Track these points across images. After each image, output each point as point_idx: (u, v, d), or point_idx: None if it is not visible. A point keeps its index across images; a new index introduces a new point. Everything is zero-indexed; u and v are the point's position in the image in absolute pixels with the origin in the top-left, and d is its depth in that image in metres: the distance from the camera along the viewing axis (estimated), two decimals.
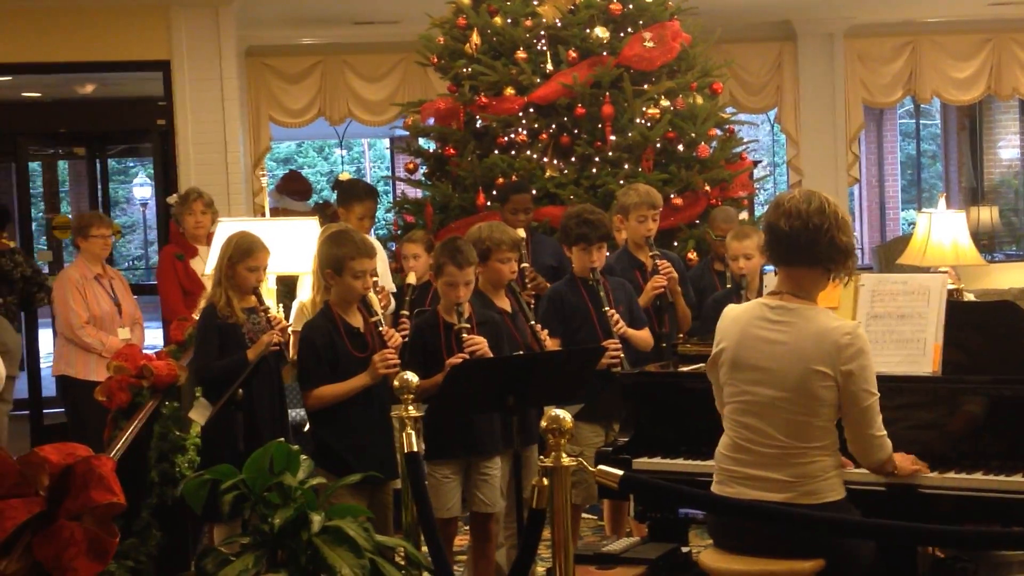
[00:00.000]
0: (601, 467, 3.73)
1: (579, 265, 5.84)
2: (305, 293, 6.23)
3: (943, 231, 8.04)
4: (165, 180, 10.72)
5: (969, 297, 7.79)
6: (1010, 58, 12.75)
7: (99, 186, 12.63)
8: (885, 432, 3.87)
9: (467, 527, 5.52)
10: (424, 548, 4.63)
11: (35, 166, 15.70)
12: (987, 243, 13.92)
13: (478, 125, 8.42)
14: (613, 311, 5.73)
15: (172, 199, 8.46)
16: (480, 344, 5.10)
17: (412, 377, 4.66)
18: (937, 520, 4.02)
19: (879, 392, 3.82)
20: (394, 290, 6.60)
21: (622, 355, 5.60)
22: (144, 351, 6.45)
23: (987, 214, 14.75)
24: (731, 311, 4.02)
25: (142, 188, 21.03)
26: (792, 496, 3.78)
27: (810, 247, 3.81)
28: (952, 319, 4.39)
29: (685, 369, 4.98)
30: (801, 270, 3.86)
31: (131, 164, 18.37)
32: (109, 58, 10.13)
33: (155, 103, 10.55)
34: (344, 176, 8.10)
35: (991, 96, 13.42)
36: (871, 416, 3.81)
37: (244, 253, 5.49)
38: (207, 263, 7.43)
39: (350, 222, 6.62)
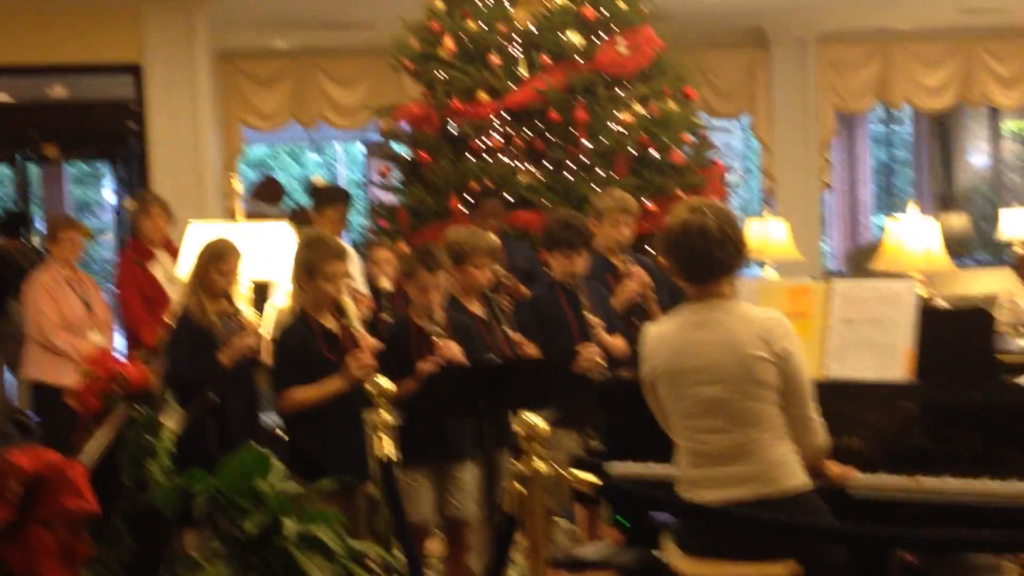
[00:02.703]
0: (575, 472, 3.74)
1: (560, 270, 5.84)
2: (279, 298, 6.23)
3: (914, 237, 8.09)
4: (137, 184, 10.68)
5: (940, 303, 7.84)
6: (980, 65, 12.86)
7: (69, 189, 12.55)
8: (821, 419, 3.91)
9: (440, 532, 5.52)
10: (398, 554, 4.62)
11: (3, 169, 15.62)
12: (958, 249, 14.00)
13: (452, 130, 8.43)
14: (593, 317, 5.74)
15: (129, 204, 8.41)
16: (453, 349, 5.11)
17: (386, 382, 4.65)
18: (904, 524, 4.05)
19: (851, 396, 3.85)
20: (368, 294, 6.59)
21: (603, 360, 5.61)
22: (115, 355, 6.42)
23: (958, 220, 14.86)
24: (653, 329, 4.06)
25: (112, 192, 20.92)
26: (756, 488, 3.81)
27: (737, 262, 3.92)
28: (923, 325, 4.42)
29: None
30: (724, 279, 3.91)
31: (101, 168, 18.27)
32: (79, 61, 10.09)
33: (126, 106, 10.51)
34: (317, 180, 8.10)
35: (962, 103, 13.53)
36: (808, 397, 3.86)
37: (216, 256, 5.49)
38: (168, 267, 7.42)
39: (323, 226, 6.62)
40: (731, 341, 3.84)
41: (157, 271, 7.57)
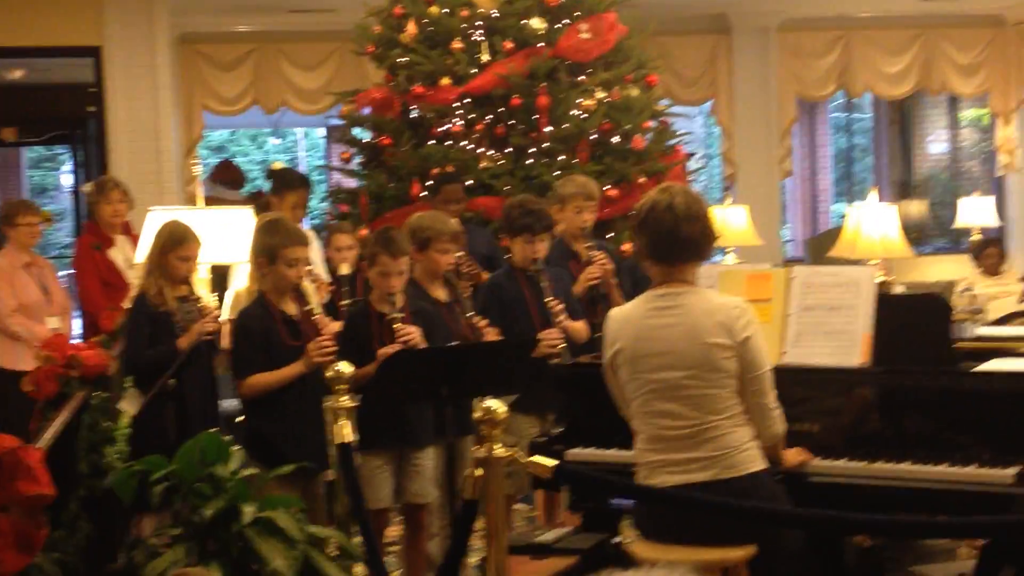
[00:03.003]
0: (535, 458, 3.75)
1: (520, 256, 5.83)
2: (239, 282, 6.20)
3: (873, 224, 8.15)
4: (96, 168, 10.58)
5: (899, 289, 7.90)
6: (940, 53, 12.93)
7: (26, 173, 12.44)
8: (779, 406, 3.93)
9: (400, 518, 5.52)
10: (357, 539, 4.62)
11: None
12: (917, 236, 14.10)
13: (413, 115, 8.41)
14: (556, 302, 5.74)
15: (87, 188, 8.33)
16: (412, 334, 5.10)
17: (345, 367, 4.64)
18: (863, 510, 4.07)
19: (811, 382, 3.87)
20: (328, 280, 6.57)
21: (564, 345, 5.61)
22: (73, 341, 6.37)
23: (917, 207, 14.96)
24: (618, 313, 4.08)
25: (71, 176, 20.74)
26: (715, 472, 3.83)
27: (705, 245, 3.95)
28: (881, 311, 4.45)
29: None
30: (689, 265, 3.93)
31: (60, 151, 18.12)
32: (39, 43, 9.98)
33: (85, 90, 10.41)
34: (277, 165, 8.05)
35: (921, 91, 13.60)
36: (767, 385, 3.90)
37: (176, 242, 5.46)
38: (127, 252, 7.36)
39: (283, 211, 6.58)
40: (692, 328, 3.85)
41: (116, 256, 7.51)
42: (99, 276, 7.50)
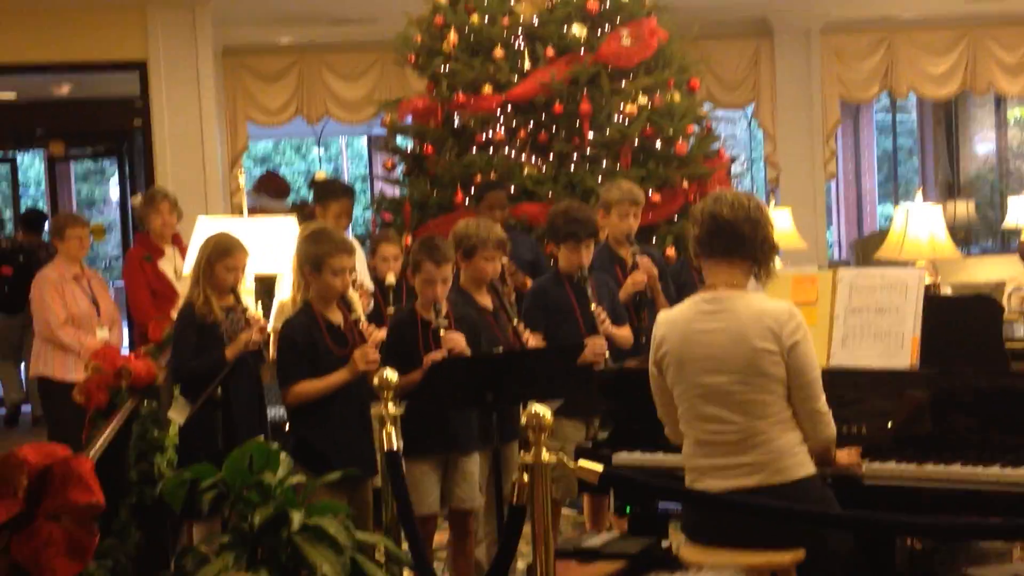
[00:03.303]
0: (581, 462, 3.74)
1: (566, 262, 5.83)
2: (285, 292, 6.22)
3: (920, 225, 8.08)
4: (142, 180, 10.68)
5: (946, 291, 7.83)
6: (985, 53, 12.82)
7: (74, 186, 12.59)
8: (829, 411, 3.90)
9: (446, 524, 5.52)
10: (404, 545, 4.62)
11: (6, 167, 15.70)
12: (964, 237, 13.99)
13: (456, 123, 8.43)
14: (600, 309, 5.73)
15: (136, 200, 8.40)
16: (458, 341, 5.10)
17: (392, 374, 4.65)
18: (914, 512, 4.04)
19: (859, 384, 3.84)
20: (372, 288, 6.59)
21: (607, 353, 5.61)
22: (122, 351, 6.42)
23: (963, 208, 14.82)
24: (666, 315, 4.06)
25: (118, 188, 20.95)
26: (763, 477, 3.81)
27: (749, 239, 3.89)
28: (930, 313, 4.41)
29: None
30: (734, 262, 3.91)
31: (107, 164, 18.30)
32: (85, 58, 10.09)
33: (132, 103, 10.51)
34: (320, 175, 8.09)
35: (967, 91, 13.49)
36: (817, 390, 3.86)
37: (223, 253, 5.48)
38: (176, 263, 7.42)
39: (327, 221, 6.61)
40: (740, 332, 3.83)
41: (166, 267, 7.57)
42: (149, 287, 7.57)
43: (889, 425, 4.30)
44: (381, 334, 5.19)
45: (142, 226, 7.86)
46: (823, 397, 3.88)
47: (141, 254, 7.71)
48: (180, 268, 7.36)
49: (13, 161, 14.96)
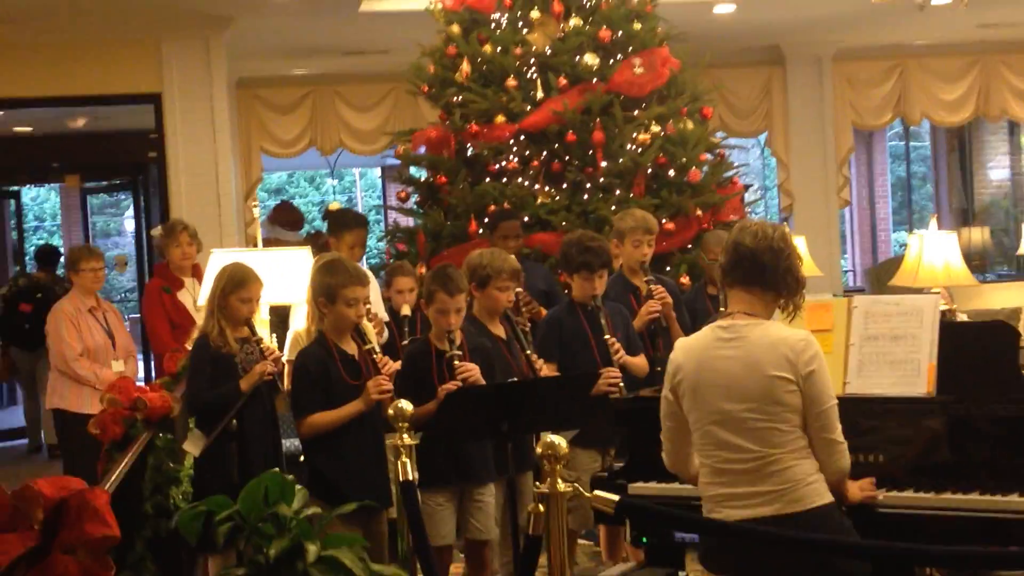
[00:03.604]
0: (597, 492, 3.72)
1: (580, 292, 5.85)
2: (299, 323, 6.23)
3: (935, 252, 8.07)
4: (157, 212, 10.71)
5: (962, 317, 7.80)
6: (998, 79, 12.82)
7: (89, 219, 12.66)
8: (845, 442, 3.88)
9: (462, 555, 5.50)
10: None
11: (27, 201, 15.77)
12: (979, 263, 13.95)
13: (469, 153, 8.44)
14: (613, 339, 5.73)
15: (156, 231, 8.44)
16: (472, 371, 5.10)
17: (406, 405, 4.65)
18: (932, 541, 4.01)
19: (875, 412, 3.82)
20: (387, 319, 6.60)
21: (621, 383, 5.60)
22: (137, 383, 6.43)
23: (978, 234, 14.79)
24: (683, 343, 4.05)
25: (133, 221, 21.06)
26: (780, 507, 3.78)
27: (771, 269, 3.88)
28: (947, 339, 4.39)
29: None
30: (756, 292, 3.90)
31: (122, 197, 18.39)
32: (100, 91, 10.15)
33: (146, 136, 10.56)
34: (334, 206, 8.11)
35: (980, 117, 13.49)
36: (833, 420, 3.83)
37: (237, 284, 5.50)
38: (195, 294, 7.44)
39: (341, 251, 6.62)
40: (754, 360, 3.82)
41: (185, 298, 7.59)
42: (168, 319, 7.59)
43: (906, 453, 4.28)
44: (396, 365, 5.19)
45: (161, 257, 7.89)
46: (839, 427, 3.86)
47: (160, 285, 7.74)
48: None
49: (17, 195, 15.00)
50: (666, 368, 4.05)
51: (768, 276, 3.89)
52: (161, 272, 7.91)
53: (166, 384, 6.27)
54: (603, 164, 8.07)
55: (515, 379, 5.38)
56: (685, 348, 4.01)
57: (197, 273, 7.68)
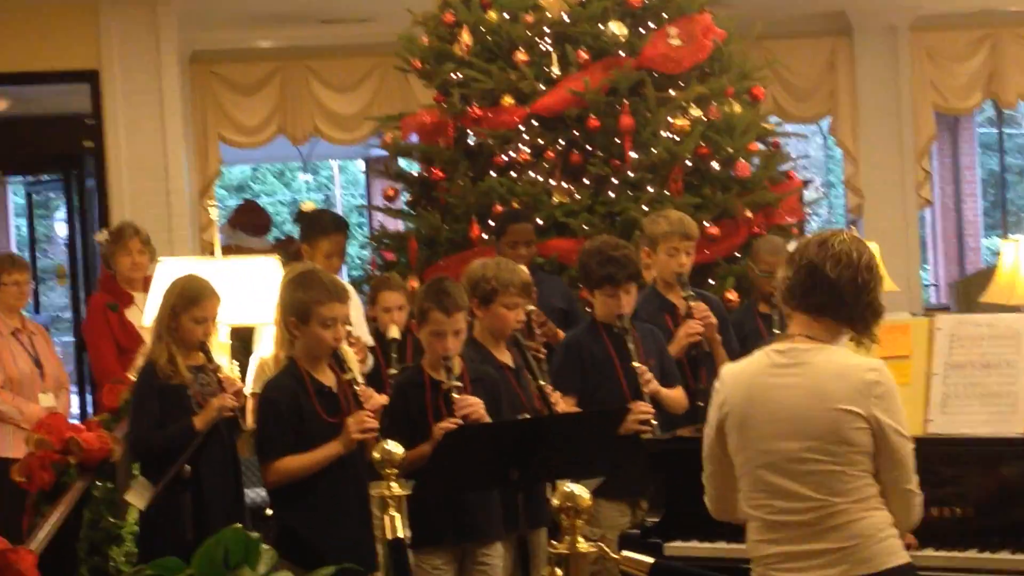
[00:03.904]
0: (626, 553, 3.73)
1: (603, 311, 5.85)
2: (265, 348, 6.24)
3: None
4: (94, 213, 10.74)
5: None
6: None
7: (12, 221, 12.68)
8: (921, 494, 3.88)
9: None
10: None
11: None
12: None
13: (471, 142, 8.45)
14: (643, 367, 5.73)
15: (101, 236, 8.45)
16: (474, 406, 5.10)
17: (395, 447, 4.65)
18: None
19: (960, 456, 3.81)
20: (371, 343, 6.61)
21: (655, 420, 5.60)
22: (71, 421, 6.44)
23: None
24: (731, 369, 4.05)
25: (65, 225, 21.02)
26: (847, 568, 3.77)
27: (852, 303, 3.87)
28: None
29: None
30: (827, 322, 3.89)
31: (52, 195, 18.42)
32: (26, 68, 10.17)
33: (81, 121, 10.58)
34: (308, 206, 8.10)
35: None
36: (910, 468, 3.83)
37: (189, 301, 5.51)
38: (146, 312, 7.45)
39: (316, 260, 6.64)
40: (817, 391, 3.81)
41: (135, 317, 7.57)
42: (115, 341, 7.58)
43: (999, 506, 4.27)
44: (382, 399, 5.19)
45: (109, 267, 7.88)
46: (915, 476, 3.85)
47: (106, 302, 7.74)
48: None
49: None
50: (710, 400, 4.05)
51: (845, 311, 3.88)
52: (107, 285, 7.91)
53: (105, 422, 6.27)
54: (632, 155, 8.07)
55: (526, 416, 5.37)
56: (733, 375, 4.01)
57: (149, 287, 7.69)
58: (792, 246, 4.10)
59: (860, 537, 3.79)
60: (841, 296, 3.87)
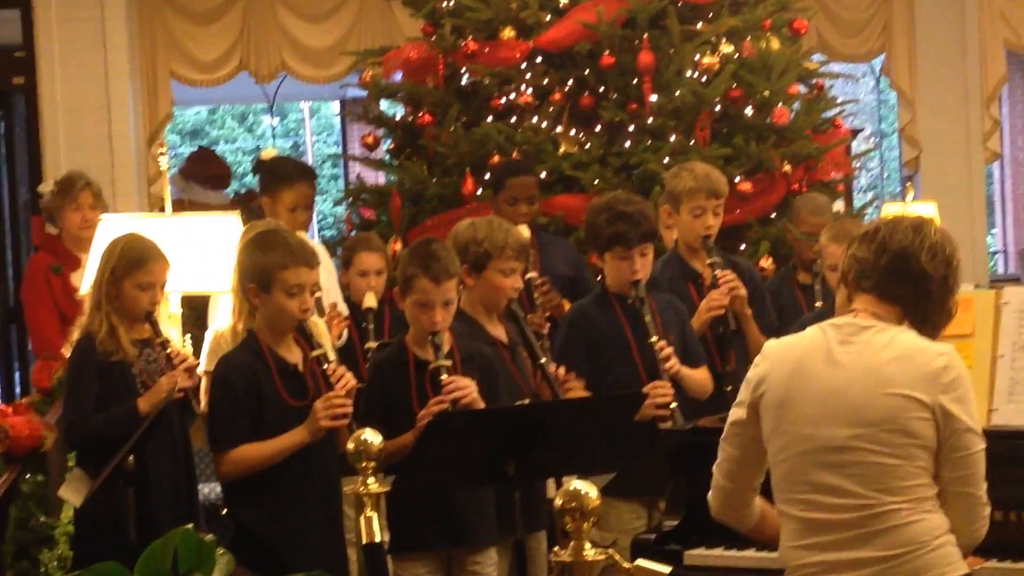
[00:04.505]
0: (640, 562, 3.72)
1: (615, 277, 5.84)
2: (222, 320, 6.24)
3: None
4: (24, 161, 10.72)
5: None
6: None
7: None
8: (988, 504, 3.87)
9: None
10: None
11: None
12: None
13: (464, 81, 8.44)
14: (662, 342, 5.73)
15: (46, 187, 8.43)
16: (466, 389, 5.10)
17: (372, 436, 4.64)
18: None
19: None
20: (346, 314, 6.61)
21: (674, 404, 5.60)
22: None
23: None
24: (778, 343, 4.05)
25: None
26: None
27: (935, 301, 3.89)
28: None
29: None
30: (897, 310, 3.89)
31: None
32: None
33: (10, 55, 10.55)
34: (268, 153, 8.06)
35: None
36: (979, 470, 3.82)
37: (133, 264, 5.50)
38: (84, 278, 7.45)
39: (278, 215, 6.63)
40: (874, 372, 3.80)
41: (81, 282, 7.58)
42: (57, 309, 7.58)
43: None
44: (353, 380, 5.18)
45: (53, 224, 7.88)
46: (984, 483, 3.84)
47: (48, 264, 7.73)
48: None
49: None
50: (744, 378, 4.04)
51: (922, 308, 3.89)
52: (50, 245, 7.90)
53: (36, 405, 6.27)
54: (652, 99, 8.06)
55: (525, 401, 5.37)
56: (780, 350, 4.00)
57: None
58: (867, 223, 4.09)
59: (912, 543, 3.78)
60: (928, 291, 3.87)
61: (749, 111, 8.19)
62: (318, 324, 5.37)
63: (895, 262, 3.90)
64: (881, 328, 3.88)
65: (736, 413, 4.03)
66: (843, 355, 3.87)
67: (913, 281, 3.88)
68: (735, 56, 8.18)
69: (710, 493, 4.11)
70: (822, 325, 3.98)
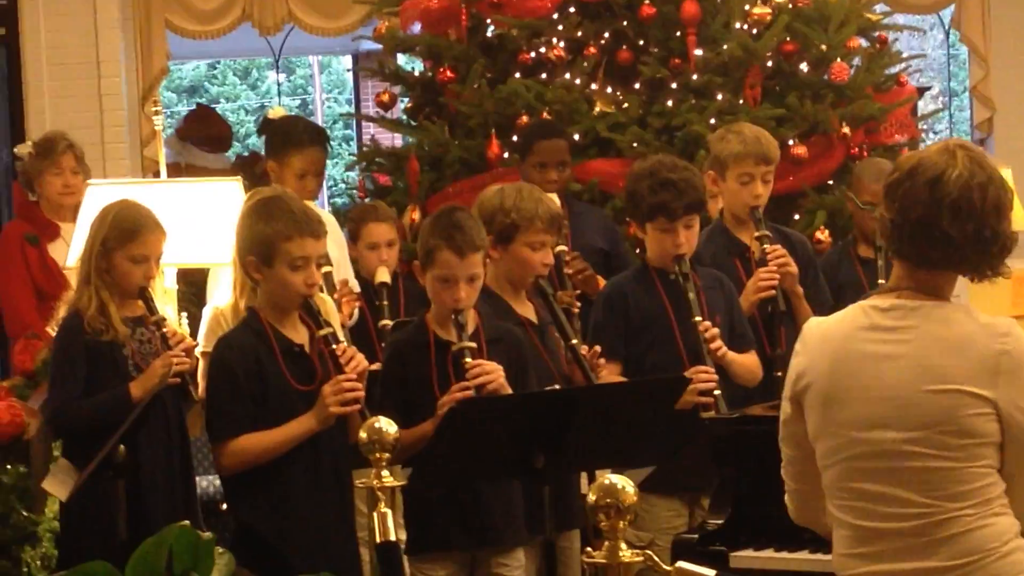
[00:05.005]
0: (682, 564, 3.73)
1: (656, 251, 5.84)
2: (222, 296, 6.26)
3: None
4: (5, 119, 10.75)
5: None
6: None
7: None
8: None
9: None
10: None
11: None
12: None
13: (489, 33, 8.44)
14: (707, 323, 5.73)
15: (23, 149, 8.46)
16: (493, 373, 5.11)
17: (387, 425, 4.65)
18: None
19: None
20: (357, 290, 6.62)
21: (718, 391, 5.61)
22: None
23: None
24: (816, 326, 4.00)
25: None
26: None
27: (974, 256, 3.83)
28: None
29: None
30: (935, 273, 3.85)
31: None
32: None
33: None
34: (276, 112, 8.06)
35: None
36: None
37: (125, 235, 5.51)
38: (71, 249, 7.47)
39: (286, 182, 6.63)
40: (926, 365, 3.78)
41: (61, 255, 7.58)
42: (33, 284, 7.60)
43: None
44: (366, 362, 5.19)
45: (30, 190, 7.89)
46: None
47: (24, 232, 7.75)
48: None
49: None
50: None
51: (966, 263, 3.84)
52: (27, 213, 7.92)
53: (18, 389, 6.30)
54: (697, 53, 8.05)
55: (555, 387, 5.38)
56: (818, 335, 3.98)
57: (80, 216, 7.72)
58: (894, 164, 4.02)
59: (979, 551, 3.78)
60: (962, 252, 3.81)
61: (804, 67, 8.18)
62: (326, 301, 5.38)
63: (917, 230, 3.84)
64: (931, 307, 3.84)
65: (784, 409, 4.01)
66: (890, 344, 3.83)
67: (943, 244, 3.83)
68: (789, 6, 8.16)
69: (785, 497, 4.10)
70: (863, 305, 3.92)
